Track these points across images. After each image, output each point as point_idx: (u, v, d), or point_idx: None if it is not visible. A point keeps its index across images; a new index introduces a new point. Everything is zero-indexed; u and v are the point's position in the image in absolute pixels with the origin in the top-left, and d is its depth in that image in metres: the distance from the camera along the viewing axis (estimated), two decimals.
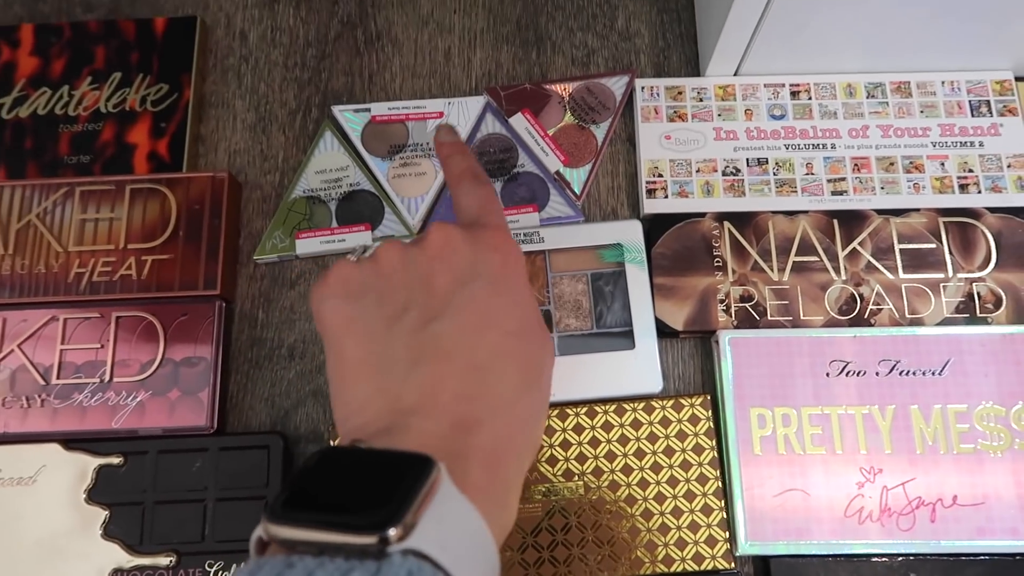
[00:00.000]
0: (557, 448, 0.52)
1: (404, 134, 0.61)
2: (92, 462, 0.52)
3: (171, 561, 0.50)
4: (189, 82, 0.62)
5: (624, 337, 0.54)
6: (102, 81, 0.62)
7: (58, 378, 0.54)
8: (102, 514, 0.51)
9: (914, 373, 0.52)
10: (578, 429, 0.52)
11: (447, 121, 0.60)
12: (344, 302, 0.32)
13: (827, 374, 0.52)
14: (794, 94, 0.59)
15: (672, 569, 0.49)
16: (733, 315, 0.54)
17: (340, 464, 0.26)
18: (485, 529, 0.26)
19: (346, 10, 0.65)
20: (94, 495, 0.52)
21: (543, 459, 0.52)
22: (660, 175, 0.58)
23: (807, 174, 0.58)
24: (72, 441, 0.53)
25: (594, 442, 0.52)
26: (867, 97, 0.59)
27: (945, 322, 0.54)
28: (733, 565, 0.50)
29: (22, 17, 0.66)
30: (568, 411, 0.52)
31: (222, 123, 0.63)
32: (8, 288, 0.57)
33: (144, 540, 0.51)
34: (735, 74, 0.60)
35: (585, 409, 0.53)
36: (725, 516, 0.51)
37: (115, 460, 0.52)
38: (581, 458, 0.52)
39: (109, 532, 0.51)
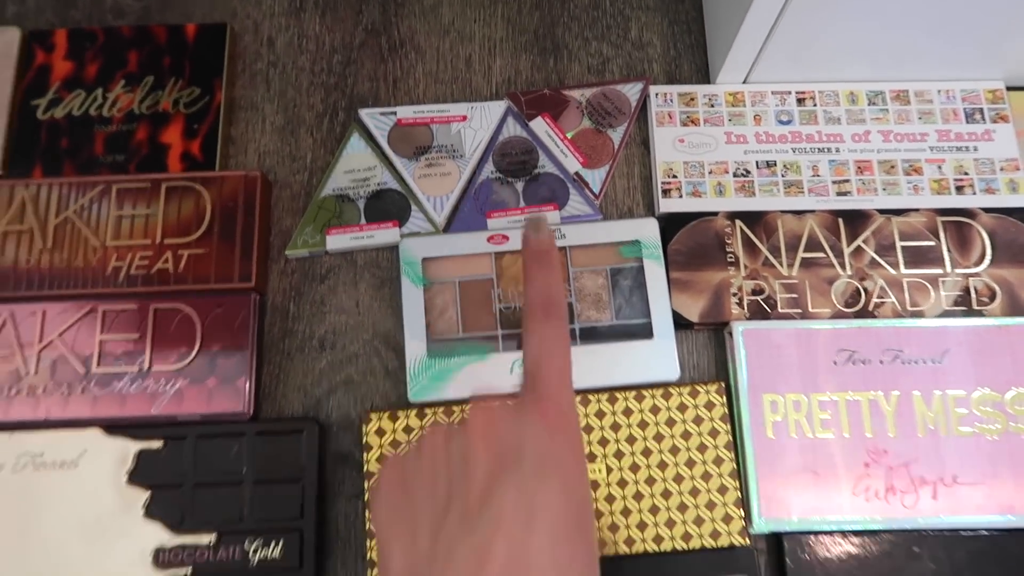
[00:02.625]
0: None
1: (429, 136, 0.63)
2: (133, 446, 0.54)
3: (212, 540, 0.52)
4: (220, 86, 0.64)
5: (643, 328, 0.57)
6: (135, 84, 0.65)
7: (98, 366, 0.56)
8: (143, 495, 0.53)
9: (915, 362, 0.56)
10: (600, 414, 0.55)
11: (469, 124, 0.63)
12: (393, 501, 0.32)
13: (835, 363, 0.56)
14: (800, 101, 0.63)
15: (690, 545, 0.52)
16: (745, 307, 0.58)
17: None
18: None
19: (370, 18, 0.68)
20: (135, 477, 0.53)
21: None
22: (674, 176, 0.61)
23: (813, 176, 0.61)
24: (113, 427, 0.55)
25: (615, 427, 0.55)
26: (868, 104, 0.63)
27: (944, 314, 0.57)
28: (748, 541, 0.52)
29: (54, 23, 0.68)
30: (590, 397, 0.55)
31: (252, 125, 0.65)
32: (48, 281, 0.59)
33: (185, 520, 0.53)
34: (744, 82, 0.63)
35: (607, 396, 0.55)
36: (740, 495, 0.53)
37: (155, 444, 0.54)
38: (603, 442, 0.54)
39: (150, 512, 0.53)
